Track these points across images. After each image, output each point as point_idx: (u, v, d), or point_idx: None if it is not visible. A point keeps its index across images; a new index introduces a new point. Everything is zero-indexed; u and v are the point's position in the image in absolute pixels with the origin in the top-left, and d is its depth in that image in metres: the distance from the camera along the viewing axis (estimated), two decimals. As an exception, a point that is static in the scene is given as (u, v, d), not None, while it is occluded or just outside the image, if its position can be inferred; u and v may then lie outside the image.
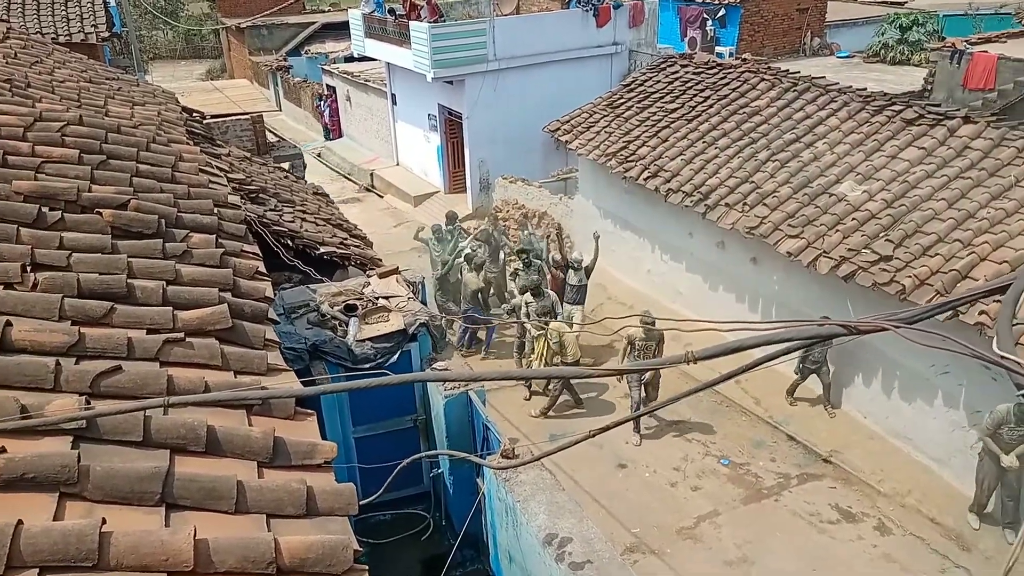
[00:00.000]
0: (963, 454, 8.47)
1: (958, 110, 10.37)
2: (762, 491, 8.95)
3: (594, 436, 3.93)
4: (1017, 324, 6.82)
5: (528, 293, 10.82)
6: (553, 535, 5.21)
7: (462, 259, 11.95)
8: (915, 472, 8.84)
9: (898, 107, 10.71)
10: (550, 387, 10.63)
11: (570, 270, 11.65)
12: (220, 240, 4.76)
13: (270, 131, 16.93)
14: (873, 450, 9.33)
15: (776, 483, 9.07)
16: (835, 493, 8.88)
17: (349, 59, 26.62)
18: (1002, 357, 1.52)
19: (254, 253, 5.04)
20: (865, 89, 11.66)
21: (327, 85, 26.58)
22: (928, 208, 8.94)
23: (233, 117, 14.11)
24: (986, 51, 15.37)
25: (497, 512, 6.28)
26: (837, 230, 9.22)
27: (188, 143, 6.38)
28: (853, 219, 9.25)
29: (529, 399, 10.87)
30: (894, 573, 7.71)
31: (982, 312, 7.31)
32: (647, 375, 9.77)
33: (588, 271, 11.75)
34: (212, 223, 4.87)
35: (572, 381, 10.47)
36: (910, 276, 8.17)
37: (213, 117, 13.67)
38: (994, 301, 6.54)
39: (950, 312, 6.24)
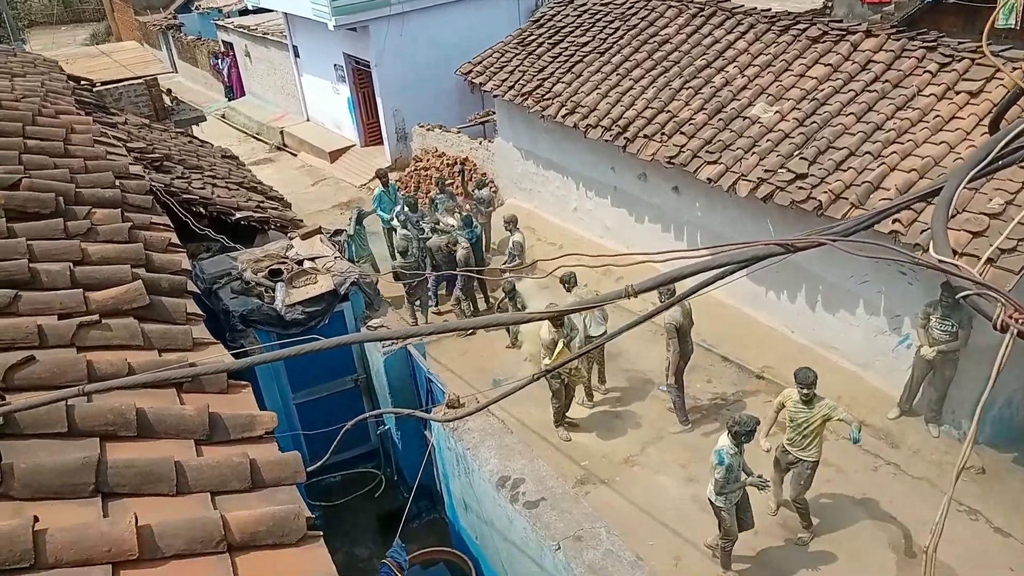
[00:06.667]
0: (886, 356, 8.90)
1: (859, 24, 10.57)
2: (701, 412, 9.23)
3: (537, 379, 3.92)
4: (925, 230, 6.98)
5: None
6: (506, 477, 5.25)
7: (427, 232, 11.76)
8: (843, 379, 9.24)
9: (803, 25, 10.84)
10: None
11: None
12: (126, 214, 4.50)
13: (168, 94, 16.07)
14: (802, 362, 9.59)
15: (713, 403, 9.37)
16: (770, 407, 9.20)
17: (244, 12, 25.34)
18: (940, 261, 1.52)
19: (164, 224, 4.79)
20: (769, 10, 11.76)
21: (223, 41, 25.31)
22: (838, 123, 9.15)
23: (126, 82, 13.28)
24: (882, -36, 15.67)
25: (448, 462, 6.28)
26: (753, 152, 9.38)
27: (79, 113, 5.97)
28: (768, 140, 9.41)
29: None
30: (830, 475, 8.11)
31: (895, 220, 7.59)
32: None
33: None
34: (115, 196, 4.59)
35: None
36: (826, 192, 8.39)
37: (103, 84, 12.83)
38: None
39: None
